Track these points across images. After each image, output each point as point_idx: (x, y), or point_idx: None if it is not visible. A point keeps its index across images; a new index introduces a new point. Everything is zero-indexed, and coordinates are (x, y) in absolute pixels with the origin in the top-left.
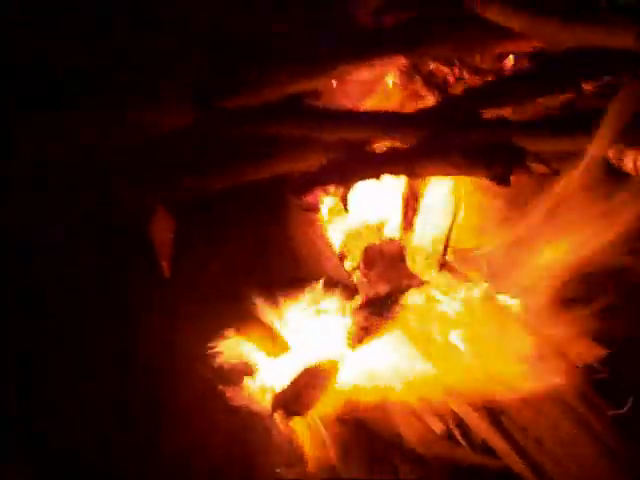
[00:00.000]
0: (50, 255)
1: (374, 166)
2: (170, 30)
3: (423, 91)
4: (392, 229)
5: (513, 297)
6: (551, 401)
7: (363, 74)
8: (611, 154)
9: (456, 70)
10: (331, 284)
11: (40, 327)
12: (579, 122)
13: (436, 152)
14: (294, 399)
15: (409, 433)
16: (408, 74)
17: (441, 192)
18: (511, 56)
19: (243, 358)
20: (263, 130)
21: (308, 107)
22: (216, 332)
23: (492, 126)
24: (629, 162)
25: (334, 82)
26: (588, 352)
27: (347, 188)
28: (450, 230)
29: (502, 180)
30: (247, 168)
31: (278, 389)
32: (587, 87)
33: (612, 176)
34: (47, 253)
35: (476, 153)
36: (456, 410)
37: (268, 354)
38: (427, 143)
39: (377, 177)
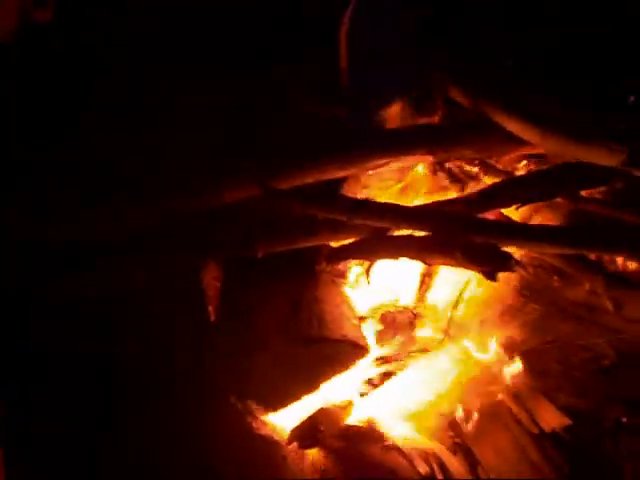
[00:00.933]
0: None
1: (393, 249)
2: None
3: (445, 183)
4: (407, 300)
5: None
6: (521, 458)
7: (395, 165)
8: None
9: (476, 169)
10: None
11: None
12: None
13: (443, 247)
14: (308, 433)
15: (398, 472)
16: (434, 168)
17: (451, 274)
18: (524, 161)
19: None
20: (308, 210)
21: (343, 197)
22: (248, 372)
23: (488, 231)
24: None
25: (370, 171)
26: (555, 420)
27: (371, 263)
28: (456, 305)
29: (490, 277)
30: (289, 239)
31: (295, 425)
32: (584, 193)
33: None
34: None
35: (473, 253)
36: (440, 455)
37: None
38: (437, 238)
39: (395, 258)
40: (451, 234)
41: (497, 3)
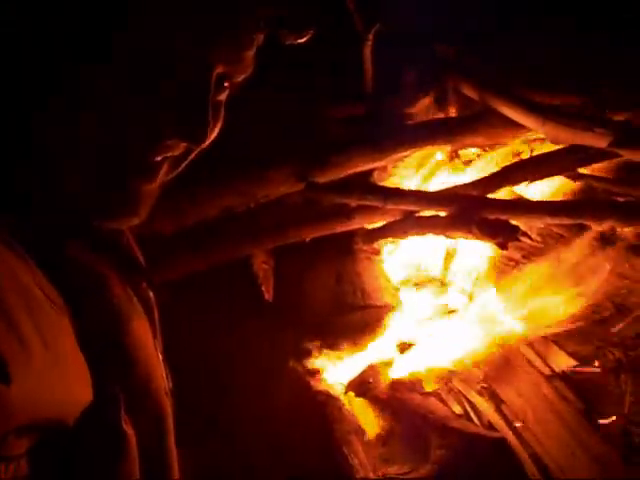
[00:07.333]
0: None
1: (420, 227)
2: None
3: (461, 167)
4: (435, 270)
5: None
6: (536, 396)
7: (417, 154)
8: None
9: (487, 153)
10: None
11: None
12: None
13: (462, 224)
14: (360, 385)
15: (437, 412)
16: (451, 155)
17: (471, 245)
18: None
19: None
20: (345, 199)
21: (376, 186)
22: (307, 340)
23: (498, 208)
24: None
25: (396, 161)
26: (564, 362)
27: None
28: (476, 272)
29: (502, 246)
30: (330, 225)
31: (350, 379)
32: (582, 171)
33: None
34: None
35: (486, 227)
36: (470, 398)
37: (342, 354)
38: (457, 216)
39: (423, 235)
40: (468, 212)
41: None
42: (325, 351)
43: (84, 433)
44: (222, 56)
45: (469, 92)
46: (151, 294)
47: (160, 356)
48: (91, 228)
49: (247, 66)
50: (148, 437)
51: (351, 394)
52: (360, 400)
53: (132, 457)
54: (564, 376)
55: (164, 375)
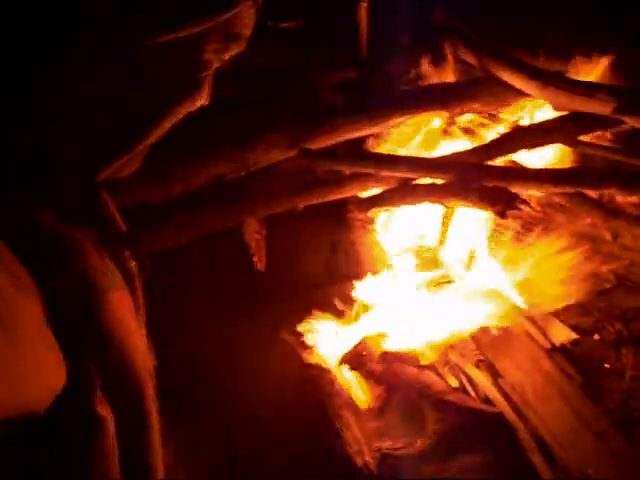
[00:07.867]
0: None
1: (417, 196)
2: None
3: (458, 134)
4: (431, 240)
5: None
6: (536, 370)
7: (412, 120)
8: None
9: (485, 120)
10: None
11: None
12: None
13: (460, 191)
14: (354, 358)
15: (433, 386)
16: (449, 122)
17: (468, 215)
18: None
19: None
20: (338, 166)
21: (370, 152)
22: (300, 311)
23: (497, 175)
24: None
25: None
26: (564, 335)
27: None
28: (474, 242)
29: (501, 215)
30: (322, 192)
31: (344, 351)
32: (583, 138)
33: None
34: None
35: (485, 195)
36: (467, 371)
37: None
38: (454, 184)
39: (420, 203)
40: (466, 180)
41: None
42: (318, 321)
43: (56, 419)
44: (217, 36)
45: (467, 57)
46: (133, 264)
47: (143, 331)
48: (68, 195)
49: (241, 43)
50: (127, 419)
51: (345, 367)
52: (354, 373)
53: (107, 442)
54: (564, 349)
55: (146, 351)
